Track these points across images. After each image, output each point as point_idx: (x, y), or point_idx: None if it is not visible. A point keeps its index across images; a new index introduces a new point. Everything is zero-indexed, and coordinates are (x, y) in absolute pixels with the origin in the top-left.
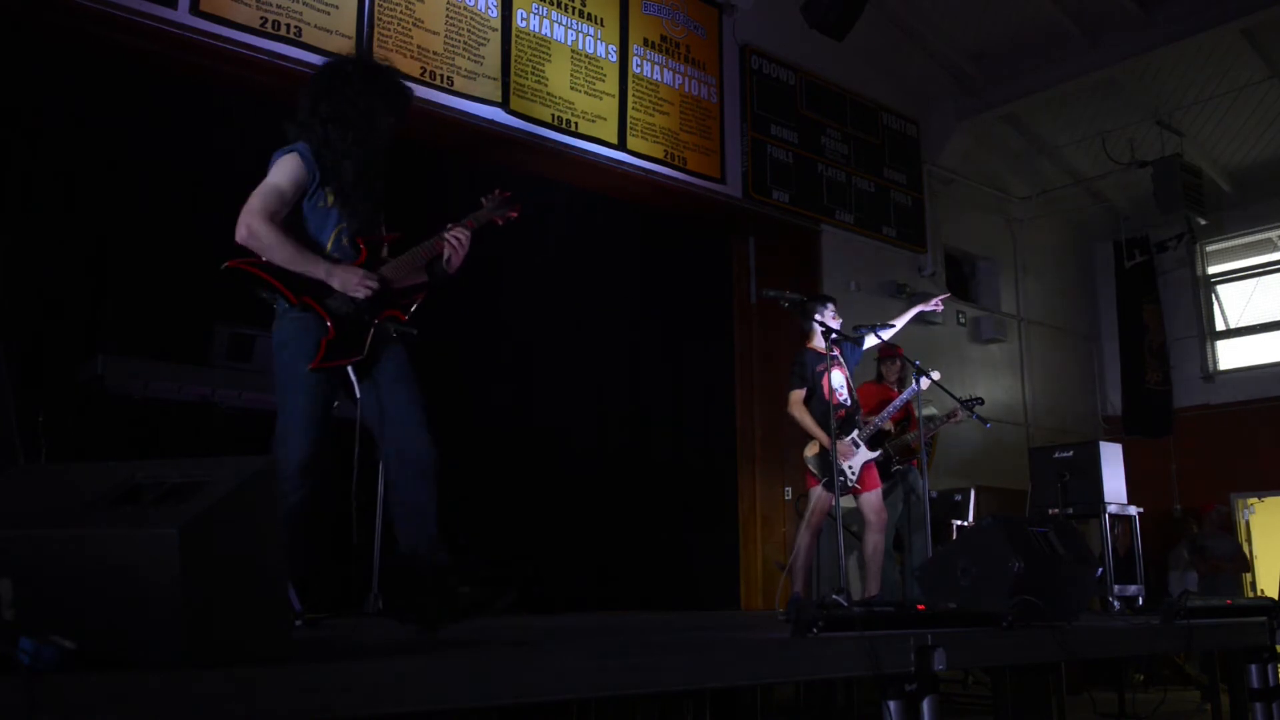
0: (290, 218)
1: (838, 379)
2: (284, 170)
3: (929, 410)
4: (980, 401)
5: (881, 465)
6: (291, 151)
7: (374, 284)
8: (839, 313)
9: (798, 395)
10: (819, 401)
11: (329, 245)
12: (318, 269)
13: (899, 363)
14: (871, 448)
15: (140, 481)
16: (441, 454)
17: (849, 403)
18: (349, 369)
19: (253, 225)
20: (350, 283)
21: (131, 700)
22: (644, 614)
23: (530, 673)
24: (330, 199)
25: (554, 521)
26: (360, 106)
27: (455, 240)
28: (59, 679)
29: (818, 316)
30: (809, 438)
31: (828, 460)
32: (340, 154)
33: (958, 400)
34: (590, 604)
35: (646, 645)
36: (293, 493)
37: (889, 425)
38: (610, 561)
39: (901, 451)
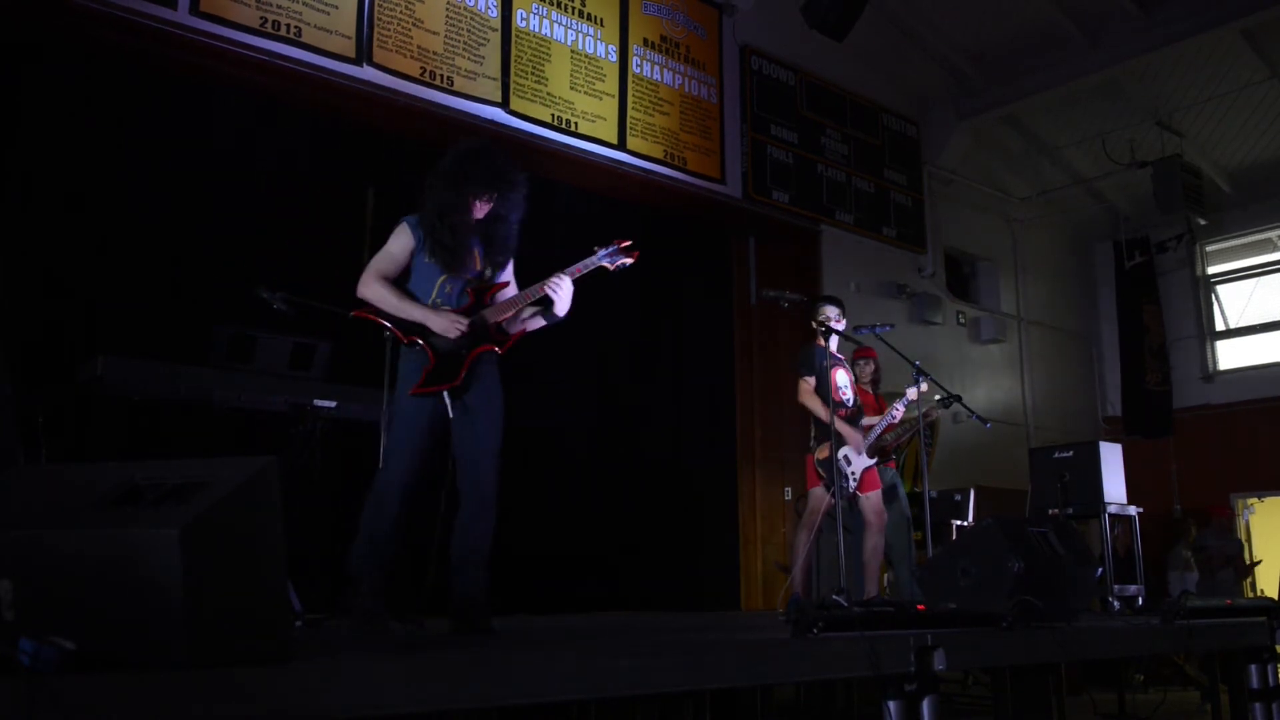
0: (404, 274)
1: (842, 379)
2: (395, 238)
3: (911, 412)
4: (958, 398)
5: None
6: (403, 223)
7: (462, 326)
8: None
9: (809, 384)
10: (824, 395)
11: (434, 294)
12: (416, 313)
13: (873, 365)
14: (870, 453)
15: (140, 482)
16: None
17: (852, 403)
18: (445, 395)
19: (365, 281)
20: (442, 325)
21: (131, 701)
22: (644, 614)
23: (531, 673)
24: (429, 258)
25: (554, 522)
26: (455, 187)
27: (554, 287)
28: (59, 680)
29: (820, 317)
30: (816, 439)
31: (834, 464)
32: (436, 227)
33: (946, 393)
34: (591, 604)
35: (647, 646)
36: (392, 505)
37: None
38: (610, 562)
39: (878, 452)
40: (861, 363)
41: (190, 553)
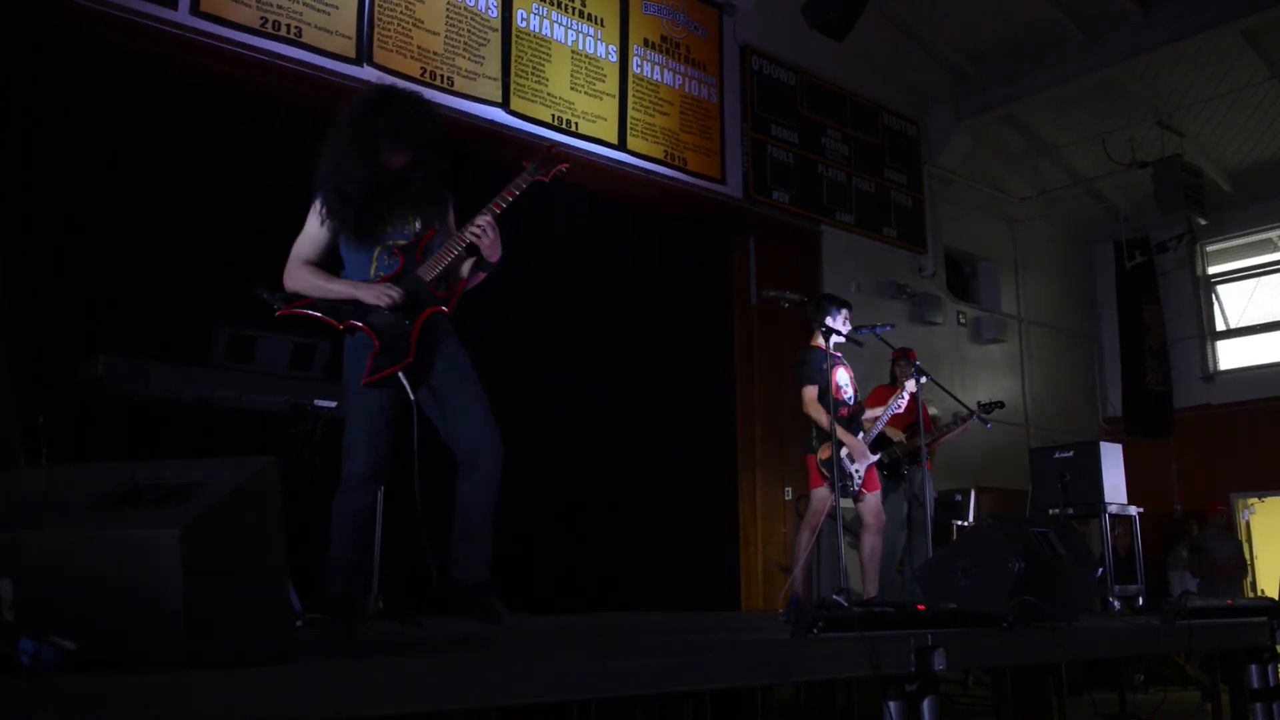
0: (335, 253)
1: (843, 377)
2: (310, 215)
3: (931, 411)
4: (1000, 405)
5: (890, 467)
6: (316, 196)
7: (394, 294)
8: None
9: (812, 392)
10: (826, 398)
11: (373, 267)
12: (345, 291)
13: (912, 366)
14: (873, 450)
15: (140, 482)
16: (507, 451)
17: (853, 401)
18: (400, 376)
19: (289, 272)
20: (372, 296)
21: (131, 701)
22: (645, 614)
23: (531, 673)
24: (350, 231)
25: (555, 522)
26: (362, 142)
27: (476, 231)
28: (59, 679)
29: (828, 320)
30: (818, 439)
31: (837, 464)
32: (341, 196)
33: (968, 408)
34: (591, 604)
35: (648, 646)
36: (360, 499)
37: (898, 434)
38: (612, 562)
39: (910, 454)
40: (902, 364)
41: (190, 552)
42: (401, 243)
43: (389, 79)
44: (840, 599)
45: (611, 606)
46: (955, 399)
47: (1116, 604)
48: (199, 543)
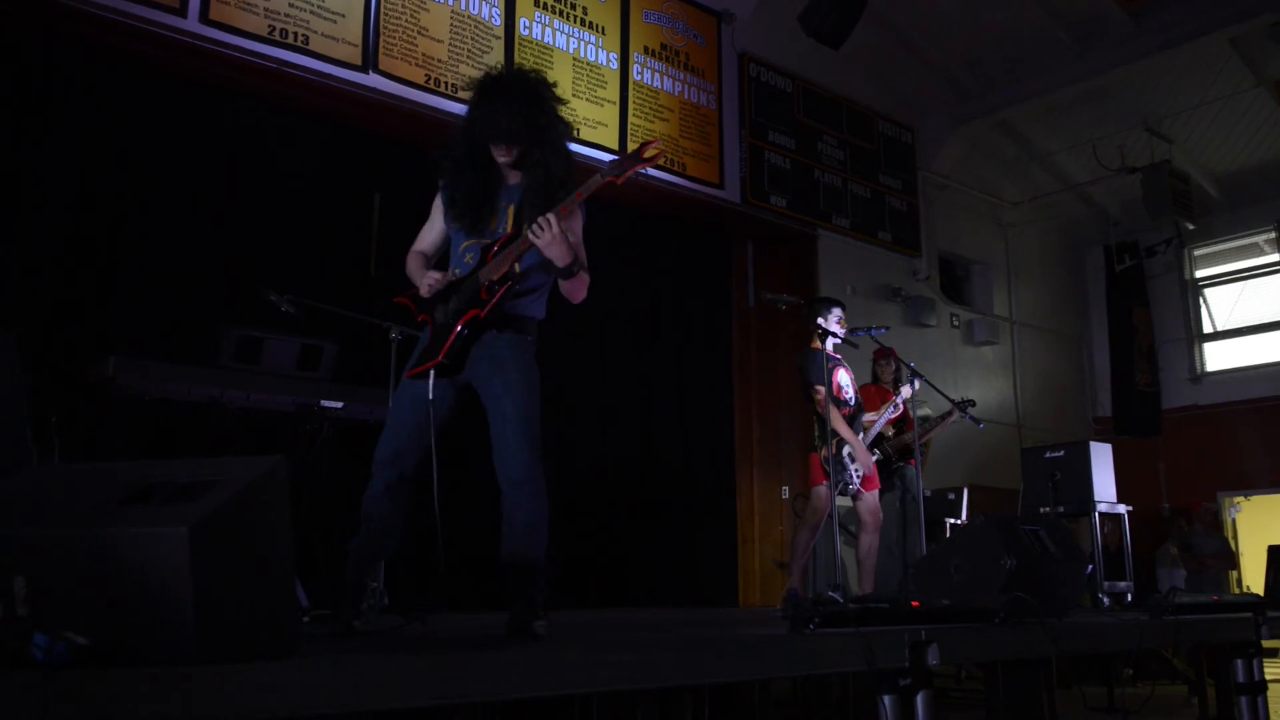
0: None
1: (843, 378)
2: (432, 208)
3: (923, 411)
4: (972, 403)
5: (881, 465)
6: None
7: (433, 282)
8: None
9: (823, 391)
10: (833, 400)
11: (451, 264)
12: (419, 281)
13: (894, 364)
14: (871, 449)
15: (151, 481)
16: (537, 469)
17: (853, 401)
18: (431, 374)
19: (409, 258)
20: (422, 285)
21: (141, 695)
22: (645, 610)
23: (534, 668)
24: (455, 222)
25: (557, 519)
26: (467, 133)
27: (536, 232)
28: (71, 674)
29: (820, 321)
30: (822, 437)
31: (839, 460)
32: (452, 184)
33: (951, 401)
34: (592, 600)
35: (648, 641)
36: (373, 483)
37: (888, 429)
38: (612, 559)
39: (900, 451)
40: (883, 363)
41: (200, 550)
42: (486, 241)
43: (487, 76)
44: (836, 595)
45: (612, 603)
46: (940, 393)
47: (1106, 600)
48: (208, 540)
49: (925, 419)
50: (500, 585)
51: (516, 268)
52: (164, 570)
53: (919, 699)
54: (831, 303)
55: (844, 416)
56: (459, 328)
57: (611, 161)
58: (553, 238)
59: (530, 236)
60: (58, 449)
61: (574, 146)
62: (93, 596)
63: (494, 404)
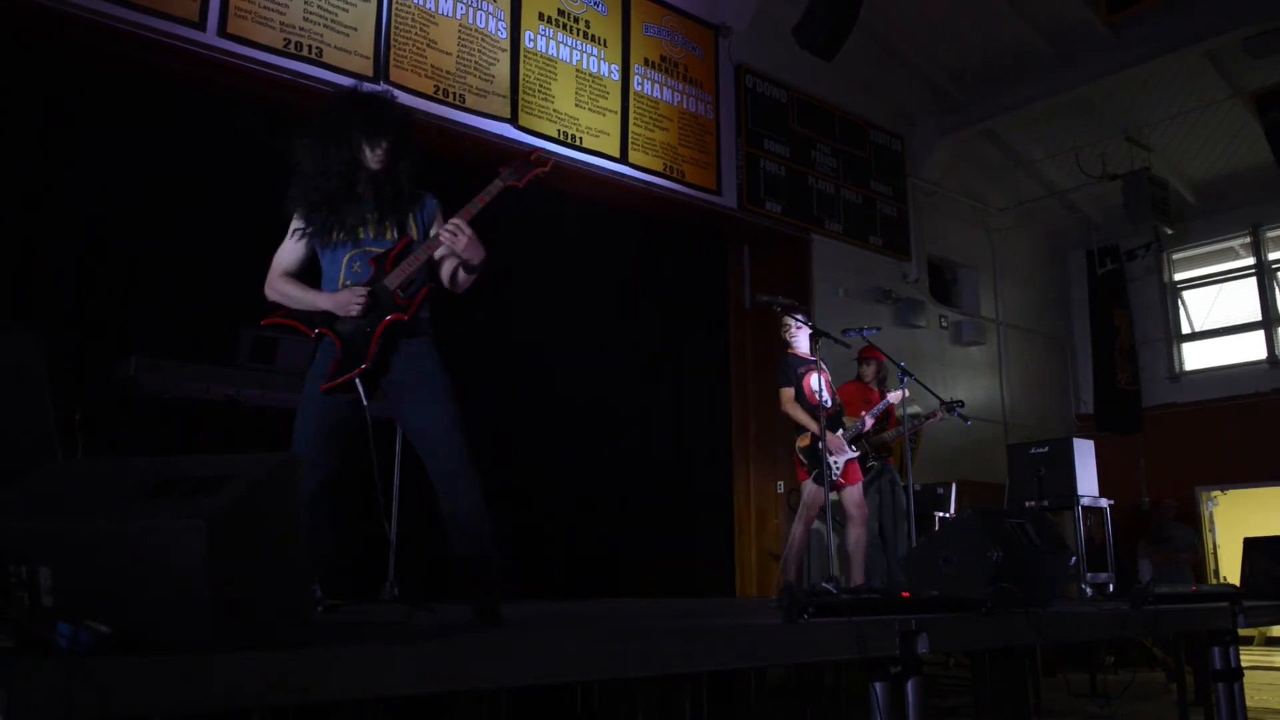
0: (314, 263)
1: (816, 382)
2: (292, 226)
3: (913, 409)
4: (961, 404)
5: (861, 460)
6: (295, 209)
7: (361, 299)
8: (810, 321)
9: (789, 393)
10: (802, 402)
11: (341, 277)
12: (320, 301)
13: (875, 365)
14: (851, 445)
15: (170, 476)
16: (473, 453)
17: (830, 404)
18: (357, 381)
19: (268, 283)
20: (341, 303)
21: (161, 681)
22: (644, 601)
23: (538, 656)
24: (330, 234)
25: (557, 511)
26: (337, 139)
27: (446, 237)
28: (94, 661)
29: (783, 333)
30: (800, 431)
31: (815, 453)
32: (317, 197)
33: (941, 401)
34: (594, 591)
35: (648, 630)
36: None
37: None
38: (613, 551)
39: (878, 449)
40: (866, 363)
41: (216, 542)
42: (375, 250)
43: (374, 88)
44: (830, 586)
45: (613, 593)
46: (930, 391)
47: (1088, 590)
48: (225, 533)
49: (915, 416)
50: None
51: (444, 272)
52: (183, 561)
53: (909, 686)
54: (788, 310)
55: (824, 416)
56: (381, 334)
57: (510, 168)
58: (469, 240)
59: (443, 242)
60: (80, 446)
61: (578, 154)
62: (114, 587)
63: (419, 406)
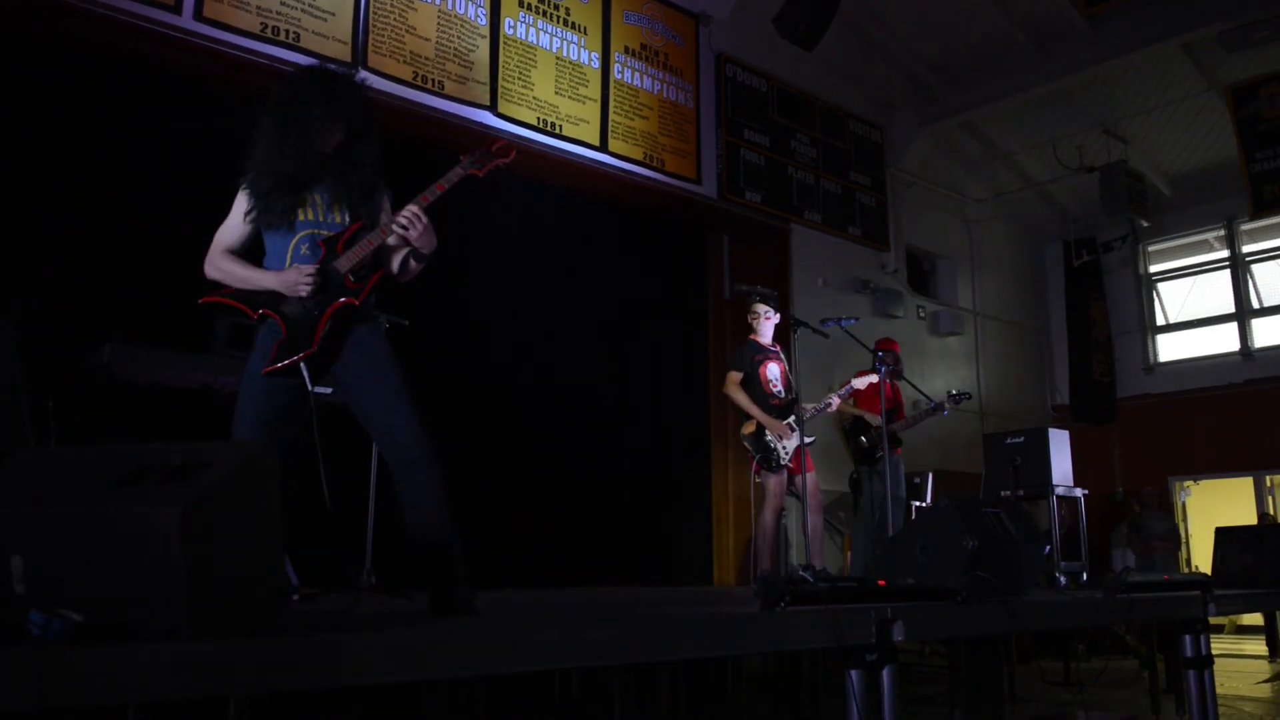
0: (257, 241)
1: (773, 371)
2: (235, 203)
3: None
4: (968, 395)
5: (867, 452)
6: (242, 183)
7: (309, 280)
8: (785, 311)
9: (735, 377)
10: (756, 388)
11: (289, 257)
12: (265, 280)
13: (891, 357)
14: (851, 434)
15: (145, 463)
16: (431, 438)
17: (783, 394)
18: (302, 366)
19: (209, 260)
20: (289, 283)
21: (135, 670)
22: (622, 589)
23: (515, 645)
24: (280, 216)
25: (538, 501)
26: (294, 119)
27: (404, 221)
28: (67, 650)
29: (750, 315)
30: (746, 418)
31: (760, 440)
32: (272, 177)
33: (935, 402)
34: (571, 579)
35: (625, 619)
36: None
37: (876, 419)
38: (590, 539)
39: (878, 440)
40: (882, 354)
41: (191, 530)
42: (325, 233)
43: (337, 68)
44: (807, 574)
45: (591, 582)
46: (924, 395)
47: (1062, 579)
48: (200, 521)
49: (915, 405)
50: (482, 564)
51: (395, 261)
52: (157, 549)
53: (884, 674)
54: (760, 297)
55: (774, 407)
56: (329, 317)
57: (471, 156)
58: (424, 229)
59: (398, 229)
60: (54, 433)
61: (557, 142)
62: (88, 575)
63: (372, 393)
